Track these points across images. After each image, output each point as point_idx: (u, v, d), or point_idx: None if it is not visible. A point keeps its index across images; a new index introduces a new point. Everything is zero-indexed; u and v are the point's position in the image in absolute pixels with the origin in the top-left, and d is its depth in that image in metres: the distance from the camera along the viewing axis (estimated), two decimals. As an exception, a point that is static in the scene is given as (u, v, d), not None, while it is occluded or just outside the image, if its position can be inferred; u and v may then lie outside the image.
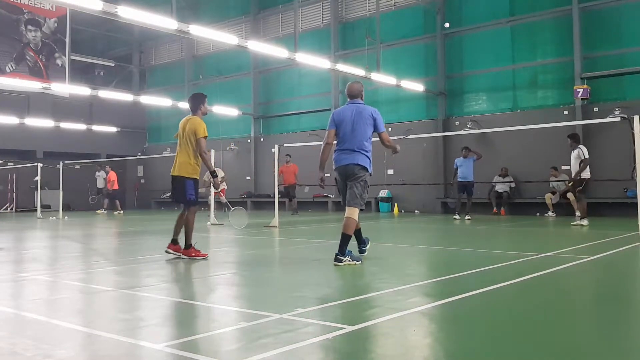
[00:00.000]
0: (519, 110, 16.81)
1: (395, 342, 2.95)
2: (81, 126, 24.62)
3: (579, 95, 15.30)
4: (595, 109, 15.34)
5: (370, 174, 5.85)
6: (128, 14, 9.97)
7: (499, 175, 16.24)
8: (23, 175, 23.20)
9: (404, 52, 19.18)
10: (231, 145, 23.67)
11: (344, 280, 4.99)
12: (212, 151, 13.20)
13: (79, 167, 23.72)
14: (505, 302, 4.01)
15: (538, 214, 15.35)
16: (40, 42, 23.49)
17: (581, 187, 11.21)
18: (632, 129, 8.06)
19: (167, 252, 6.54)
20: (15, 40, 22.83)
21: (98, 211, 21.28)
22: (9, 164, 22.66)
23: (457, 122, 17.89)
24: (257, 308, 3.71)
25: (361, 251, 6.26)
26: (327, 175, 6.16)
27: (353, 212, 5.73)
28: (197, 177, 6.59)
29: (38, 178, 18.63)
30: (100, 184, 21.65)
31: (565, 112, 15.75)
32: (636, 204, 7.99)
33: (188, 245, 6.42)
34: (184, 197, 6.47)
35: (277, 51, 13.53)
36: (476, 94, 17.85)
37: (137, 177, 28.14)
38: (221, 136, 22.61)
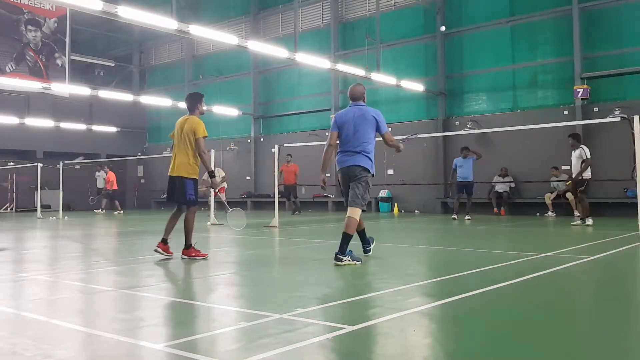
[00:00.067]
0: (519, 110, 16.81)
1: (395, 342, 2.95)
2: (81, 126, 24.62)
3: (579, 95, 15.31)
4: (595, 109, 15.34)
5: (373, 175, 5.94)
6: (128, 14, 9.97)
7: (499, 175, 16.24)
8: (23, 175, 23.19)
9: (404, 52, 19.18)
10: (231, 145, 23.68)
11: (344, 280, 4.99)
12: (212, 151, 13.20)
13: (79, 167, 23.73)
14: (505, 302, 4.01)
15: (538, 214, 15.35)
16: (40, 42, 23.49)
17: (583, 188, 11.21)
18: (632, 129, 8.06)
19: (156, 251, 6.46)
20: (15, 40, 22.83)
21: (96, 211, 21.33)
22: (9, 164, 22.67)
23: (457, 122, 17.89)
24: (257, 308, 3.71)
25: (365, 251, 6.30)
26: (327, 175, 6.25)
27: (355, 212, 5.80)
28: (197, 177, 6.58)
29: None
30: (100, 184, 21.71)
31: (565, 112, 15.76)
32: (636, 204, 7.99)
33: (188, 245, 6.40)
34: (184, 197, 6.45)
35: (277, 51, 13.53)
36: (476, 94, 17.85)
37: (137, 177, 28.14)
38: (221, 136, 22.61)
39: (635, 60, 14.95)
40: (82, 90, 20.16)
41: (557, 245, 7.83)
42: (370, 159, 5.88)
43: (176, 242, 6.83)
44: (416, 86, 17.54)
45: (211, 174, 6.66)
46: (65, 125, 23.68)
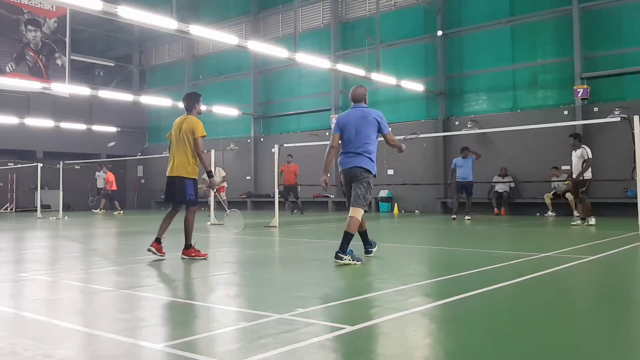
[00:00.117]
0: (519, 110, 16.81)
1: (395, 342, 2.95)
2: (81, 126, 24.61)
3: (579, 95, 15.31)
4: (595, 109, 15.34)
5: (375, 176, 6.02)
6: (128, 14, 9.97)
7: (499, 175, 16.24)
8: (23, 175, 23.19)
9: (404, 52, 19.18)
10: (231, 145, 23.68)
11: (344, 280, 4.99)
12: (212, 151, 13.19)
13: (79, 167, 23.72)
14: (505, 302, 4.01)
15: (538, 214, 15.35)
16: (40, 42, 23.49)
17: (584, 188, 11.21)
18: (632, 129, 8.06)
19: (149, 250, 6.40)
20: (15, 40, 22.83)
21: (94, 210, 21.34)
22: (9, 164, 22.67)
23: (457, 122, 17.89)
24: (257, 308, 3.71)
25: (367, 252, 6.35)
26: (328, 175, 6.29)
27: (357, 212, 5.87)
28: (197, 177, 6.57)
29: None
30: (100, 184, 21.72)
31: (565, 112, 15.75)
32: (636, 204, 7.99)
33: (188, 246, 6.40)
34: (184, 198, 6.44)
35: (277, 51, 13.53)
36: (476, 94, 17.85)
37: (137, 177, 28.14)
38: (221, 136, 22.61)
39: (635, 60, 14.95)
40: (82, 90, 20.16)
41: (557, 245, 7.82)
42: (372, 160, 5.96)
43: (176, 242, 6.84)
44: (416, 86, 17.54)
45: (209, 174, 6.65)
46: (65, 125, 23.67)
